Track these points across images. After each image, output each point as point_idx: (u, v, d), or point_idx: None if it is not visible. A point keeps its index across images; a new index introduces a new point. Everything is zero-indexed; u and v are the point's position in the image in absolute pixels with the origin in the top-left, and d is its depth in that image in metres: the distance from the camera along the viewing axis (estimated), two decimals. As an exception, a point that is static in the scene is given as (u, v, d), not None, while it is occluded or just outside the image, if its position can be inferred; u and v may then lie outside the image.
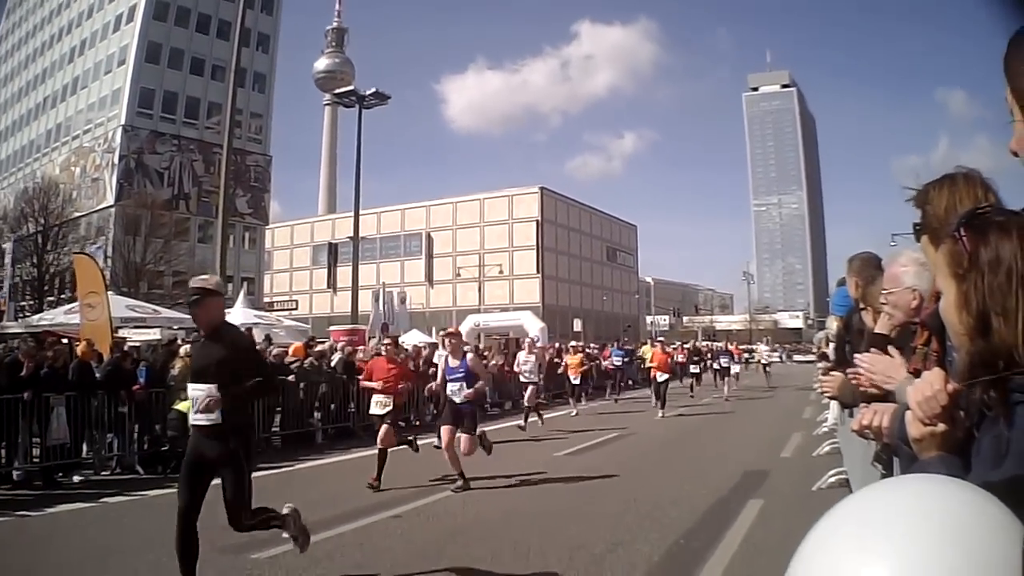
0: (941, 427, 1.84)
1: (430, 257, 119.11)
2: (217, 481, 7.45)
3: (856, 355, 4.03)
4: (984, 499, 1.23)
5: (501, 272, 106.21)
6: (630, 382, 41.75)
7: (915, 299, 4.07)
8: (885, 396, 3.50)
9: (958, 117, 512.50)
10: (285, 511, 7.99)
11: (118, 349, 17.35)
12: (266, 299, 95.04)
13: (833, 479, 12.32)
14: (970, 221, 1.72)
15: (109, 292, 23.72)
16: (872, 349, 3.74)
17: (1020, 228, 1.63)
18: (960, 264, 1.71)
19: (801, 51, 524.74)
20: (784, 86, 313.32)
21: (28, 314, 47.79)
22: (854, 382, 3.80)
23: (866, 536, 1.16)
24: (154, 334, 24.06)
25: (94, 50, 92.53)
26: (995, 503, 1.22)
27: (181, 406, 15.75)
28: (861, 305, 5.76)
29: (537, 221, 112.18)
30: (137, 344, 20.40)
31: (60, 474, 14.84)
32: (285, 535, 8.07)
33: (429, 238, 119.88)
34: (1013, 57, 1.61)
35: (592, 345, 49.80)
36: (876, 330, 4.92)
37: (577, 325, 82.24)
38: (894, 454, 3.82)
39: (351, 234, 40.29)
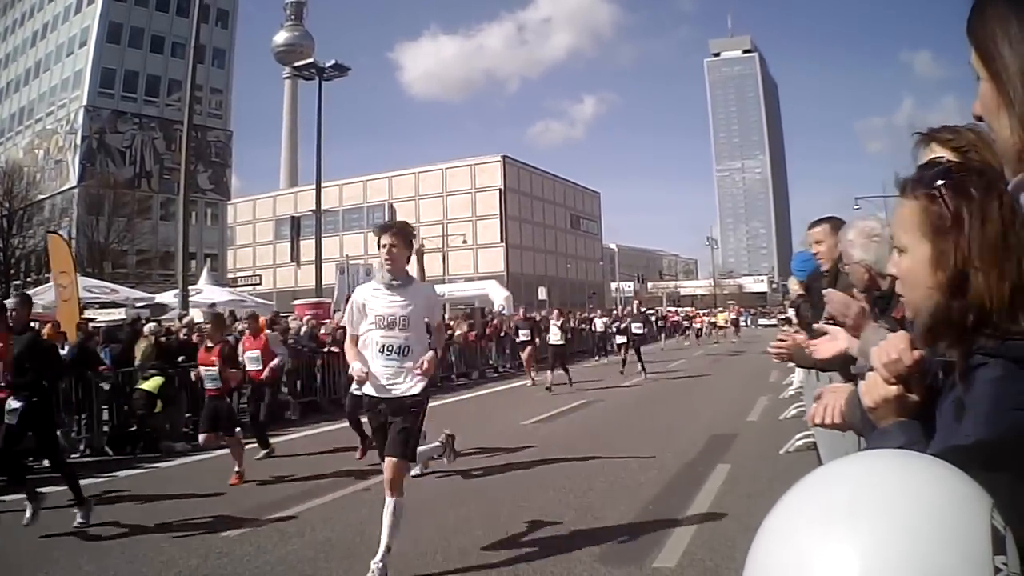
0: (894, 391, 1.84)
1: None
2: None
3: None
4: (949, 473, 1.22)
5: (465, 242, 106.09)
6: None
7: (865, 272, 4.08)
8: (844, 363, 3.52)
9: (923, 77, 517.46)
10: None
11: (81, 331, 17.28)
12: (230, 275, 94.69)
13: (800, 442, 12.41)
14: (945, 177, 1.72)
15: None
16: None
17: (999, 190, 1.63)
18: (938, 222, 1.70)
19: (762, 15, 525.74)
20: (746, 51, 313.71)
21: (-5, 298, 47.49)
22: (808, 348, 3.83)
23: (829, 517, 1.14)
24: (119, 314, 23.91)
25: (56, 33, 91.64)
26: (960, 476, 1.21)
27: (146, 385, 15.71)
28: (839, 266, 5.75)
29: (500, 190, 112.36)
30: (100, 325, 20.25)
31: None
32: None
33: (392, 209, 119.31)
34: (977, 19, 1.60)
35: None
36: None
37: (542, 293, 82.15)
38: (857, 434, 3.84)
39: (313, 207, 40.15)
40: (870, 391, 1.89)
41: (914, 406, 1.83)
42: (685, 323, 66.12)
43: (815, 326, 5.58)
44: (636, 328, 28.85)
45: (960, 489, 1.19)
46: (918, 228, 1.75)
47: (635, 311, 30.92)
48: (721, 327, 64.66)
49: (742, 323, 73.19)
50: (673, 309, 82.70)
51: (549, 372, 24.33)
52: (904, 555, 1.08)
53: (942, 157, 2.15)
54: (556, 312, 28.48)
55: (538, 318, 34.21)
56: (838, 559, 1.09)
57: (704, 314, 74.78)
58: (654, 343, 46.79)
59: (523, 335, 27.49)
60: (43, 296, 26.25)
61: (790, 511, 1.22)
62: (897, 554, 1.08)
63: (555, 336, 25.78)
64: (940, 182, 1.71)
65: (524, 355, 27.14)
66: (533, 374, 26.21)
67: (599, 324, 39.50)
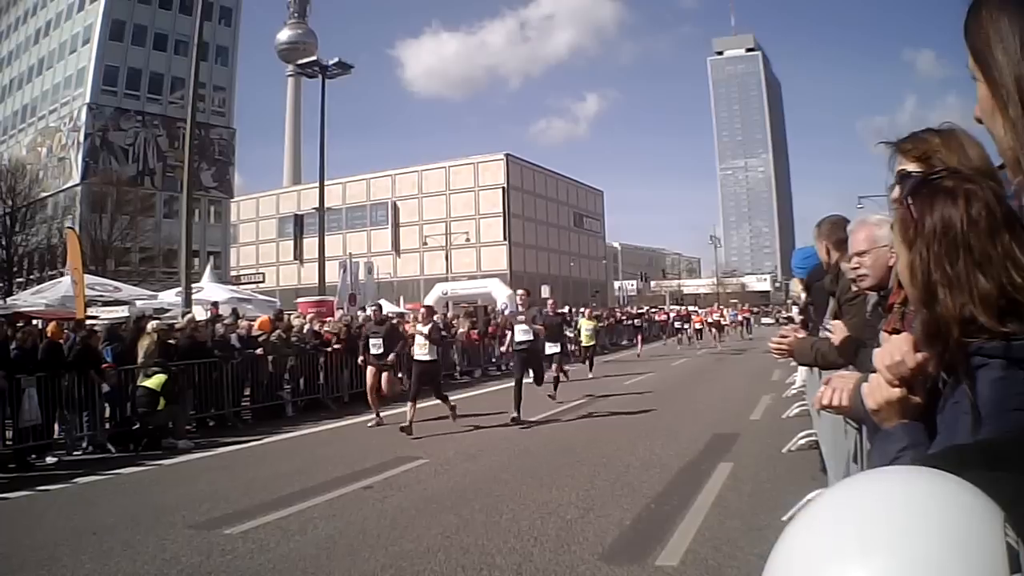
0: (897, 394, 1.84)
1: (396, 226, 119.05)
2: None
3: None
4: (959, 489, 1.20)
5: (468, 240, 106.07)
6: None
7: (892, 257, 4.06)
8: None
9: (926, 76, 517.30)
10: None
11: (80, 327, 17.32)
12: (233, 272, 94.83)
13: (802, 441, 12.41)
14: (919, 187, 1.72)
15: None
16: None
17: (967, 194, 1.63)
18: (908, 231, 1.72)
19: (765, 13, 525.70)
20: (749, 50, 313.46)
21: (-2, 296, 47.64)
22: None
23: (842, 553, 1.12)
24: (122, 312, 23.94)
25: (59, 30, 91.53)
26: (971, 492, 1.20)
27: (148, 382, 15.71)
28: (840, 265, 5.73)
29: (503, 188, 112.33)
30: (104, 322, 20.28)
31: (33, 456, 14.76)
32: None
33: (395, 207, 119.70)
34: (972, 23, 1.61)
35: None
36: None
37: (545, 291, 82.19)
38: (863, 423, 3.84)
39: (316, 205, 40.18)
40: (873, 393, 1.89)
41: (917, 408, 1.83)
42: (678, 324, 53.65)
43: (824, 326, 5.60)
44: (521, 333, 18.00)
45: (972, 507, 1.17)
46: (898, 236, 1.77)
47: (519, 305, 19.12)
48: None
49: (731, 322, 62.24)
50: (677, 307, 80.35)
51: (410, 405, 16.13)
52: None
53: (905, 170, 2.17)
54: (423, 311, 18.75)
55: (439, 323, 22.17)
56: None
57: (704, 313, 61.52)
58: (627, 350, 44.87)
59: (374, 346, 18.21)
60: (46, 294, 26.27)
61: (801, 542, 1.20)
62: None
63: (420, 348, 16.84)
64: (909, 193, 1.72)
65: (370, 379, 18.45)
66: (382, 408, 18.22)
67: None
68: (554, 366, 21.40)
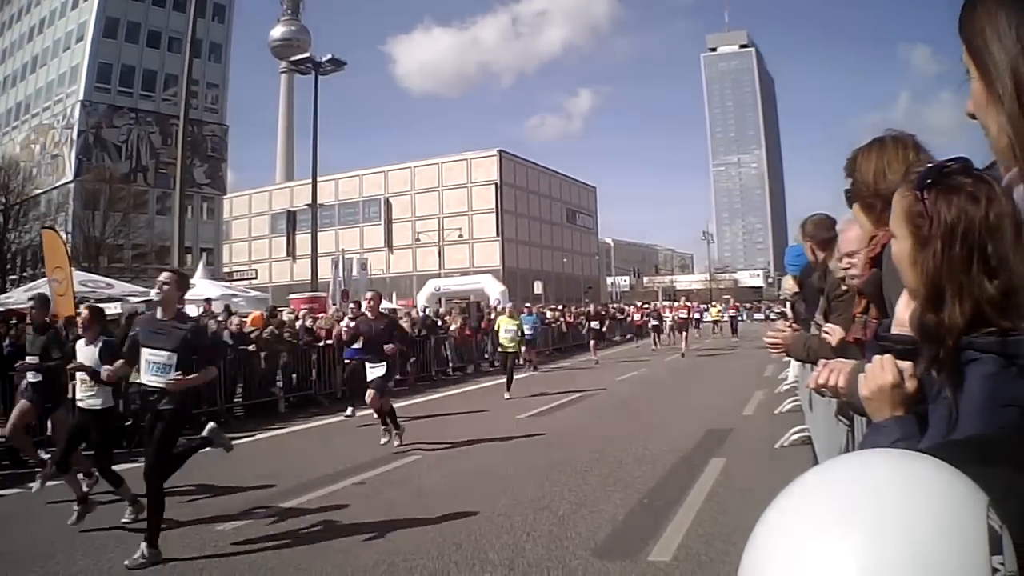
0: (891, 379, 1.83)
1: (389, 223, 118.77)
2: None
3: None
4: (944, 472, 1.21)
5: (461, 236, 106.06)
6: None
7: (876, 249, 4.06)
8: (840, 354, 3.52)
9: (921, 72, 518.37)
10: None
11: (72, 324, 17.27)
12: (225, 269, 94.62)
13: (795, 437, 12.42)
14: (936, 181, 1.71)
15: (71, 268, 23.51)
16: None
17: (988, 197, 1.63)
18: (919, 225, 1.70)
19: (760, 9, 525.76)
20: (743, 46, 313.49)
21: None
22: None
23: (824, 522, 1.13)
24: (115, 308, 23.87)
25: (53, 28, 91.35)
26: (955, 475, 1.20)
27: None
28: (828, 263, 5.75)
29: (496, 184, 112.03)
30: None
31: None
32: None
33: (388, 203, 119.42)
34: (967, 17, 1.61)
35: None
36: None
37: (538, 287, 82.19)
38: (855, 411, 3.84)
39: (309, 201, 40.08)
40: (868, 380, 1.89)
41: (911, 400, 1.82)
42: (654, 322, 43.59)
43: (816, 321, 5.60)
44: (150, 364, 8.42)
45: (955, 488, 1.18)
46: (903, 223, 1.76)
47: (157, 307, 8.96)
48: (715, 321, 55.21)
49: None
50: (668, 303, 79.21)
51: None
52: (901, 559, 1.07)
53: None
54: (85, 312, 11.72)
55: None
56: (834, 565, 1.09)
57: (676, 306, 53.60)
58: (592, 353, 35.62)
59: (32, 373, 12.29)
60: (39, 292, 26.23)
61: (784, 516, 1.20)
62: (893, 558, 1.07)
63: (85, 387, 10.25)
64: (923, 186, 1.71)
65: (15, 416, 12.28)
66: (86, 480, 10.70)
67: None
68: (372, 395, 14.09)
